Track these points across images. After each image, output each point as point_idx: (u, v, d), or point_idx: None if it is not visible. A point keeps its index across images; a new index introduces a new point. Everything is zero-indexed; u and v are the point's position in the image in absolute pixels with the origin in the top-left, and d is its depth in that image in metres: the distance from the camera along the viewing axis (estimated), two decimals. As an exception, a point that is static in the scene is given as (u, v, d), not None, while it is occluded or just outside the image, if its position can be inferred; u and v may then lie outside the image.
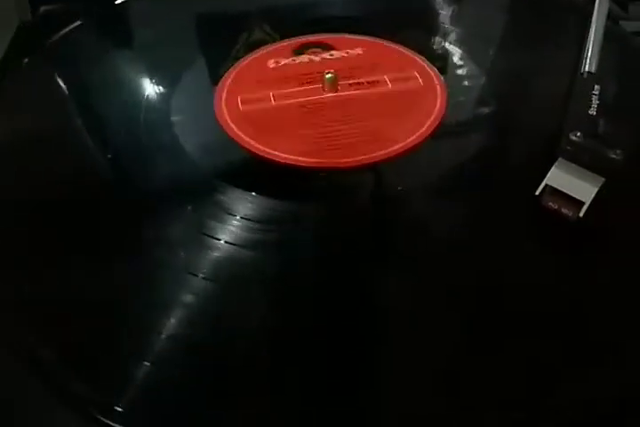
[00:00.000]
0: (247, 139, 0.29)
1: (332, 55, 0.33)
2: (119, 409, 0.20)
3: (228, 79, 0.33)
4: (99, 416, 0.20)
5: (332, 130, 0.29)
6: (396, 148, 0.28)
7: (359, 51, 0.34)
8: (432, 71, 0.32)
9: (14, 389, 0.22)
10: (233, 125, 0.29)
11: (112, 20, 0.39)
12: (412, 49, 0.34)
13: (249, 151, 0.28)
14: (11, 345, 0.23)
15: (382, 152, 0.28)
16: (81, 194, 0.28)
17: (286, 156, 0.27)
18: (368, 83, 0.31)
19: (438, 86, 0.31)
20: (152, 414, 0.20)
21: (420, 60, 0.33)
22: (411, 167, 0.28)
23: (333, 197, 0.27)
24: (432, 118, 0.29)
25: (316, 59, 0.33)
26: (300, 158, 0.27)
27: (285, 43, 0.35)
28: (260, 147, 0.28)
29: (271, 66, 0.33)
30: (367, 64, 0.32)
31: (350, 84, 0.31)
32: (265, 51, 0.34)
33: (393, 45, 0.34)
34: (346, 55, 0.33)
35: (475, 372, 0.21)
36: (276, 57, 0.34)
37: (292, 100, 0.31)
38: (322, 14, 0.38)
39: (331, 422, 0.20)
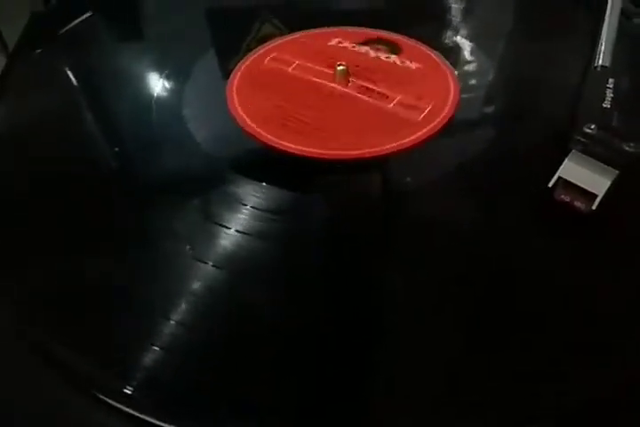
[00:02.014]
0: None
1: (387, 57, 0.33)
2: (128, 391, 0.20)
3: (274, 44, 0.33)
4: (107, 399, 0.20)
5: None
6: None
7: (414, 65, 0.32)
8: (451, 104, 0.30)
9: (23, 374, 0.22)
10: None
11: (123, 12, 0.39)
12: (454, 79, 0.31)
13: (255, 138, 0.28)
14: (19, 333, 0.23)
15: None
16: (90, 182, 0.28)
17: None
18: (378, 93, 0.30)
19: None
20: (159, 396, 0.21)
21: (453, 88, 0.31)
22: (422, 160, 0.28)
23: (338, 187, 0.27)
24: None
25: (372, 54, 0.33)
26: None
27: (362, 30, 0.35)
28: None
29: (331, 43, 0.34)
30: (402, 78, 0.31)
31: (361, 86, 0.31)
32: (338, 30, 0.35)
33: (446, 69, 0.32)
34: (399, 64, 0.32)
35: (481, 366, 0.21)
36: (342, 38, 0.34)
37: (304, 75, 0.31)
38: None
39: (336, 411, 0.20)
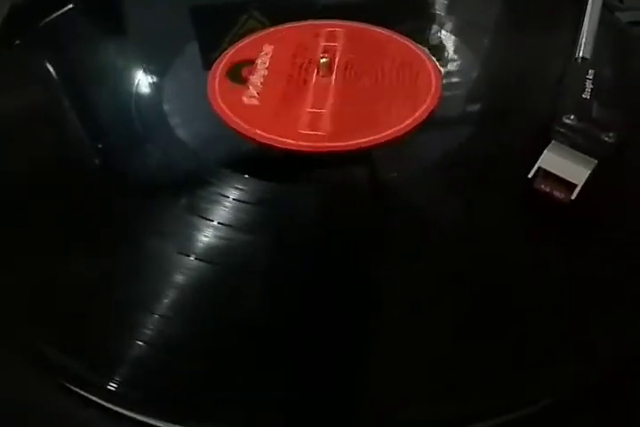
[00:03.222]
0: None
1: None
2: (112, 388, 0.20)
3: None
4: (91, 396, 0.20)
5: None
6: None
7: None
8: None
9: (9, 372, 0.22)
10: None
11: (104, 4, 0.39)
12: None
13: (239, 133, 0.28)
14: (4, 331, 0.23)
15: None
16: (71, 177, 0.27)
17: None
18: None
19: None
20: (145, 392, 0.20)
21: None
22: (404, 153, 0.28)
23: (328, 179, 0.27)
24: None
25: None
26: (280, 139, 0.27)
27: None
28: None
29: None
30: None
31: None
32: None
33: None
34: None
35: (470, 357, 0.21)
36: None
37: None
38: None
39: (326, 405, 0.20)
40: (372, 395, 0.20)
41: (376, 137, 0.27)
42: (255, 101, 0.30)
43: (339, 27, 0.34)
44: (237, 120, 0.29)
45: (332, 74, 0.31)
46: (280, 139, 0.27)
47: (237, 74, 0.31)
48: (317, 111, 0.29)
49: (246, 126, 0.28)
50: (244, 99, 0.30)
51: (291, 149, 0.27)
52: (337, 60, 0.31)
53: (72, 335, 0.22)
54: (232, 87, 0.31)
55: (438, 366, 0.21)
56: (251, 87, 0.30)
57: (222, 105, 0.29)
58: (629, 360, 0.21)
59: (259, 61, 0.32)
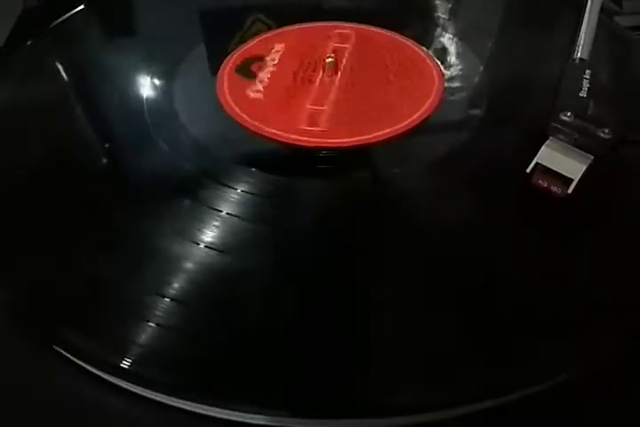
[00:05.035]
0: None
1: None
2: (125, 366, 0.21)
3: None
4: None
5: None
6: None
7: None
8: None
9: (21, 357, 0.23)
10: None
11: (115, 5, 0.40)
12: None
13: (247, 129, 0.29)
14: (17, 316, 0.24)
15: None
16: (80, 173, 0.28)
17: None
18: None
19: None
20: (158, 369, 0.21)
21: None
22: (405, 150, 0.29)
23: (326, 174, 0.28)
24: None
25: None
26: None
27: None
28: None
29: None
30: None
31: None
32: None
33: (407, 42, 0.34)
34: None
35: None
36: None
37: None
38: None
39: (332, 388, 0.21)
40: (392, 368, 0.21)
41: (375, 135, 0.28)
42: (260, 95, 0.31)
43: (348, 29, 0.35)
44: (241, 113, 0.30)
45: (337, 73, 0.32)
46: (279, 132, 0.28)
47: (247, 69, 0.33)
48: (318, 108, 0.30)
49: (248, 119, 0.29)
50: (250, 93, 0.31)
51: (288, 143, 0.28)
52: (344, 60, 0.32)
53: (87, 318, 0.23)
54: (240, 81, 0.32)
55: (440, 351, 0.21)
56: (257, 82, 0.31)
57: (228, 98, 0.31)
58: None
59: (268, 58, 0.33)
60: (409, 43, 0.34)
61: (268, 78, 0.32)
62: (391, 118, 0.29)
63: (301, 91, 0.31)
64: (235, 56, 0.34)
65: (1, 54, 0.38)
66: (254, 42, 0.35)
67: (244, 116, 0.29)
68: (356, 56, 0.33)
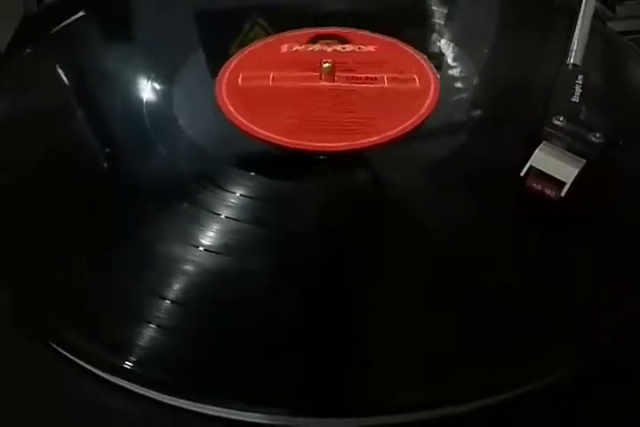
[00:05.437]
0: (239, 117, 0.30)
1: (344, 48, 0.34)
2: (125, 366, 0.21)
3: (235, 60, 0.34)
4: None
5: (316, 115, 0.30)
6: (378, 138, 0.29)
7: (372, 48, 0.35)
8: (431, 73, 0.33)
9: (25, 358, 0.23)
10: (227, 100, 0.31)
11: (114, 12, 0.40)
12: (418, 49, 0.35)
13: (241, 130, 0.29)
14: (19, 317, 0.24)
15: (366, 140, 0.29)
16: (81, 175, 0.29)
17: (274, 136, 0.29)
18: (366, 78, 0.32)
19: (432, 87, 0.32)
20: (158, 369, 0.21)
21: (422, 60, 0.34)
22: (401, 154, 0.29)
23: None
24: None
25: (328, 49, 0.34)
26: (284, 139, 0.29)
27: (305, 31, 0.36)
28: (253, 127, 0.29)
29: (284, 50, 0.35)
30: (371, 60, 0.33)
31: (348, 77, 0.32)
32: (283, 36, 0.36)
33: (405, 46, 0.35)
34: (357, 50, 0.34)
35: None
36: (290, 42, 0.35)
37: (288, 83, 0.32)
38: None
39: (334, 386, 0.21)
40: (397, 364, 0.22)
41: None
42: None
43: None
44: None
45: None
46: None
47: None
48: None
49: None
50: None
51: (287, 147, 0.28)
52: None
53: (87, 318, 0.23)
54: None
55: (439, 350, 0.22)
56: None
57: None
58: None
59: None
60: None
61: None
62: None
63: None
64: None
65: (1, 60, 0.38)
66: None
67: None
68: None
